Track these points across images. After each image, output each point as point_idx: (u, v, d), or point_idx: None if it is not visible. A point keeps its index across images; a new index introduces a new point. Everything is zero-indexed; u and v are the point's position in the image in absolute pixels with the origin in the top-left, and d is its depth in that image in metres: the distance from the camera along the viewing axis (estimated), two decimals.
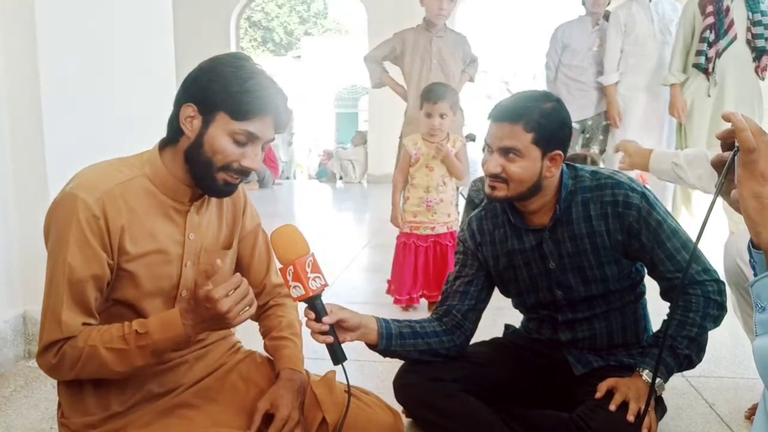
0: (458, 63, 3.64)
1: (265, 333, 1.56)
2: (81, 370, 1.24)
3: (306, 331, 1.41)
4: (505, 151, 1.55)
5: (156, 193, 1.30)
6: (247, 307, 1.24)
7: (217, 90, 1.24)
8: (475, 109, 4.94)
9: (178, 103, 1.28)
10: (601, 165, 3.80)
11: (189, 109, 1.26)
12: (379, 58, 3.70)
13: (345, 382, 1.37)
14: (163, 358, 1.36)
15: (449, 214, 2.97)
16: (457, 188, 3.42)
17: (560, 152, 1.57)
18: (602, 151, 4.46)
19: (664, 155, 2.00)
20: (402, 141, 2.98)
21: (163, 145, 1.33)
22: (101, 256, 1.23)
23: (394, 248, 3.07)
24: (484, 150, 1.65)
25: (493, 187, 1.60)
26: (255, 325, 1.61)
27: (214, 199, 1.41)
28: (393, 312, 2.94)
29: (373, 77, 3.72)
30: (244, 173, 1.30)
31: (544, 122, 1.54)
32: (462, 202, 3.70)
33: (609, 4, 4.48)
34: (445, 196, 2.94)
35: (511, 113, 1.55)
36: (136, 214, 1.26)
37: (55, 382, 1.39)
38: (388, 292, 3.11)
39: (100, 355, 1.21)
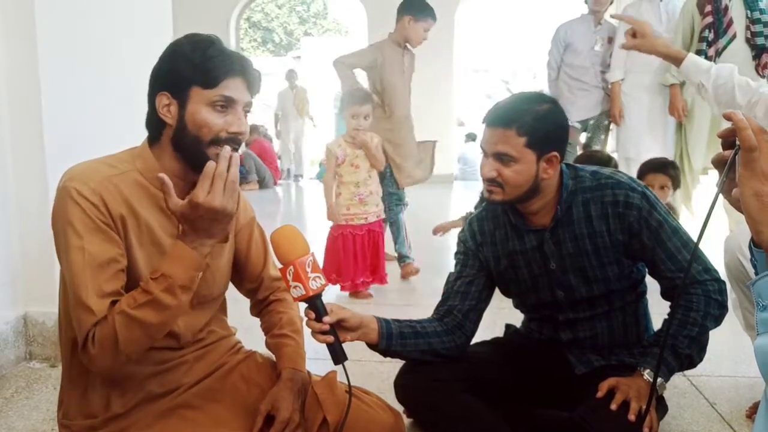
0: (411, 78, 4.00)
1: (266, 330, 1.56)
2: (127, 345, 1.18)
3: (307, 331, 1.41)
4: (499, 156, 1.55)
5: (148, 186, 1.29)
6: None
7: (181, 68, 1.25)
8: (475, 109, 4.97)
9: (152, 98, 1.29)
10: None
11: (163, 98, 1.26)
12: (354, 65, 3.87)
13: (346, 382, 1.37)
14: (165, 357, 1.35)
15: (377, 204, 3.37)
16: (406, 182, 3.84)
17: (556, 154, 1.57)
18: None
19: (696, 69, 1.94)
20: (327, 146, 3.40)
21: (149, 142, 1.33)
22: (115, 238, 1.23)
23: (327, 240, 3.38)
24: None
25: (490, 191, 1.60)
26: (256, 324, 1.61)
27: None
28: (393, 312, 2.94)
29: (346, 82, 3.83)
30: (234, 141, 1.28)
31: (537, 125, 1.53)
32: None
33: (612, 3, 4.47)
34: (372, 188, 3.34)
35: (503, 118, 1.55)
36: (132, 206, 1.26)
37: (56, 383, 1.39)
38: (330, 281, 3.16)
39: (134, 317, 1.17)
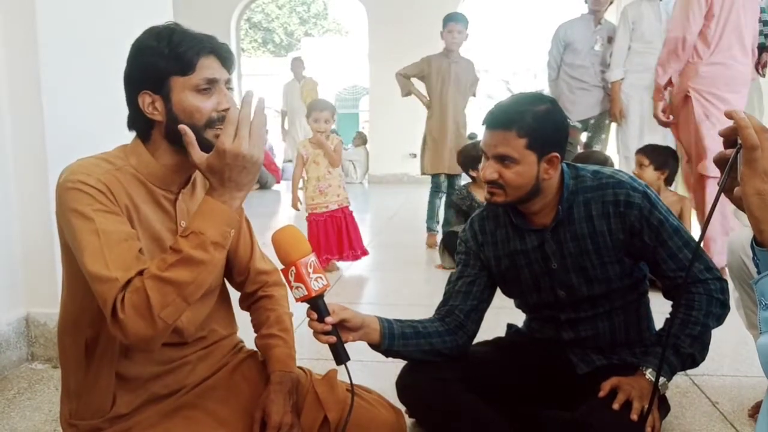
0: (469, 82, 4.69)
1: (255, 328, 1.56)
2: (161, 309, 1.12)
3: (308, 332, 1.41)
4: (500, 158, 1.55)
5: (145, 182, 1.29)
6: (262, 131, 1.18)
7: (153, 62, 1.23)
8: (476, 109, 5.07)
9: (132, 101, 1.27)
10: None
11: (146, 97, 1.25)
12: (409, 75, 4.69)
13: (347, 380, 1.37)
14: (168, 357, 1.35)
15: (338, 194, 4.02)
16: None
17: (557, 154, 1.56)
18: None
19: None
20: (297, 147, 4.18)
21: (141, 142, 1.31)
22: (127, 222, 1.21)
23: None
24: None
25: (492, 193, 1.60)
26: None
27: (200, 186, 1.40)
28: (396, 312, 2.95)
29: (403, 90, 4.73)
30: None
31: (537, 126, 1.53)
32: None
33: (611, 2, 4.47)
34: (332, 181, 4.00)
35: (503, 119, 1.54)
36: (133, 200, 1.26)
37: (58, 384, 1.39)
38: None
39: (166, 278, 1.13)
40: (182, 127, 1.21)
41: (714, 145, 3.25)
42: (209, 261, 1.16)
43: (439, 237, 4.47)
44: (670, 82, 3.53)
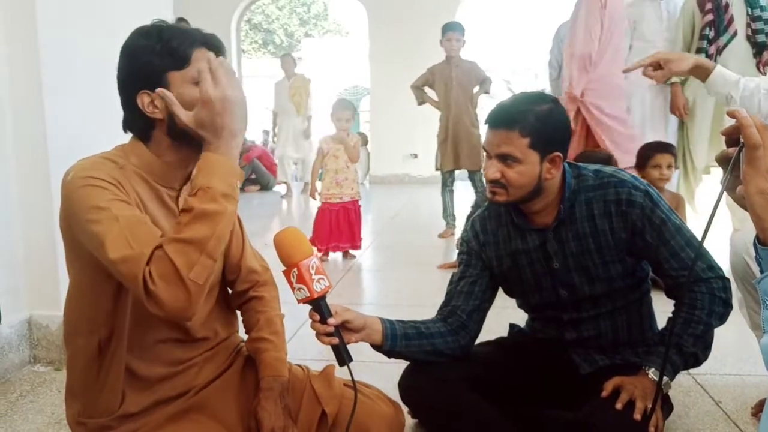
0: (473, 83, 5.10)
1: (246, 330, 1.55)
2: (188, 270, 1.10)
3: (310, 333, 1.41)
4: (503, 158, 1.55)
5: (148, 180, 1.29)
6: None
7: (147, 61, 1.23)
8: (479, 109, 5.15)
9: (130, 103, 1.26)
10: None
11: (145, 97, 1.24)
12: (420, 85, 5.20)
13: (344, 377, 1.37)
14: (176, 357, 1.36)
15: (352, 188, 4.41)
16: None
17: (559, 154, 1.56)
18: None
19: (723, 81, 2.01)
20: (319, 141, 4.57)
21: (142, 143, 1.30)
22: (141, 212, 1.21)
23: (316, 215, 4.46)
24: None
25: (494, 193, 1.60)
26: None
27: None
28: (398, 312, 2.95)
29: (417, 98, 5.23)
30: None
31: (540, 126, 1.53)
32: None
33: None
34: (348, 175, 4.38)
35: (506, 119, 1.54)
36: (141, 197, 1.26)
37: (61, 386, 1.38)
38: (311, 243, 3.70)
39: (185, 239, 1.11)
40: (160, 90, 1.20)
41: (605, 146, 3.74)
42: (223, 212, 1.15)
43: (456, 232, 4.97)
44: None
